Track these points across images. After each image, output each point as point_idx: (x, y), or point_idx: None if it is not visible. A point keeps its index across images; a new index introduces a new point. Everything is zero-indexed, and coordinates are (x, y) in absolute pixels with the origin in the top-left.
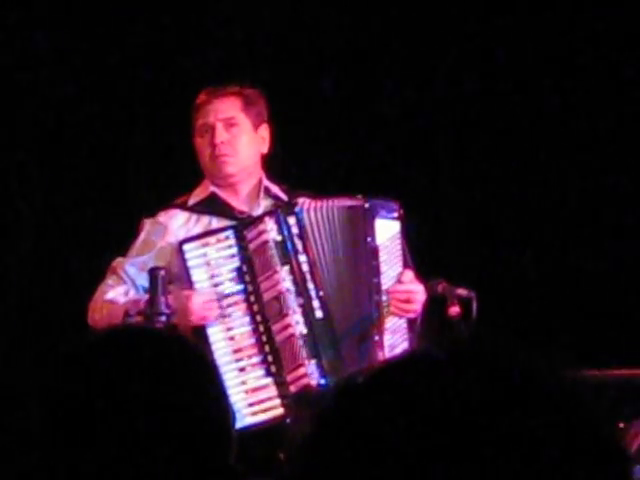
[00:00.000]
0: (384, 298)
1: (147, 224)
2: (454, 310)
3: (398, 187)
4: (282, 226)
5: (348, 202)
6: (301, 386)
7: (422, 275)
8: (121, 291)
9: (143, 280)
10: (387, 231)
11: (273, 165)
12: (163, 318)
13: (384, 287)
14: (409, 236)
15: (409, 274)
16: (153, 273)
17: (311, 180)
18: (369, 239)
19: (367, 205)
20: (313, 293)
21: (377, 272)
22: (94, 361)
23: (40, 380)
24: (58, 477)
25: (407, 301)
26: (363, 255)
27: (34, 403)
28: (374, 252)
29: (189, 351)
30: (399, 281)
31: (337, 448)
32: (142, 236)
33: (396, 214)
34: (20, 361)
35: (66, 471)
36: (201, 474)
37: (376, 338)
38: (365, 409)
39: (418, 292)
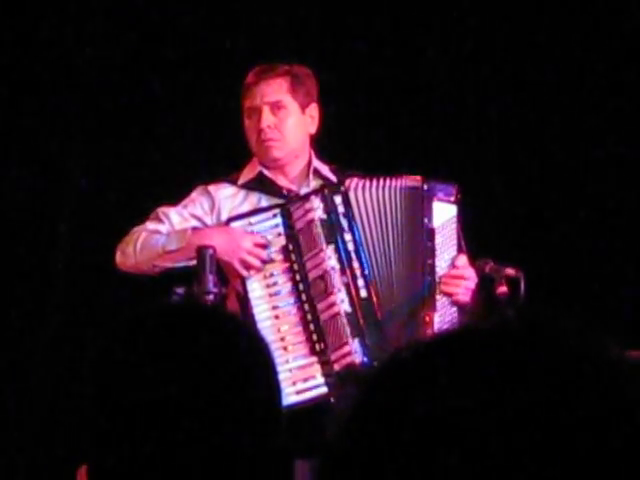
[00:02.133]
0: (437, 279)
1: (198, 189)
2: (502, 290)
3: (444, 167)
4: (328, 205)
5: (407, 182)
6: (345, 364)
7: (472, 255)
8: (162, 228)
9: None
10: (444, 214)
11: (324, 144)
12: (211, 297)
13: (438, 269)
14: (463, 219)
15: (463, 258)
16: (201, 252)
17: (362, 160)
18: (426, 220)
19: (426, 186)
20: (358, 272)
21: (432, 253)
22: (147, 339)
23: (89, 359)
24: (108, 459)
25: (459, 286)
26: (418, 236)
27: (83, 385)
28: (430, 233)
29: (242, 329)
30: (453, 265)
31: (381, 423)
32: (190, 197)
33: (453, 198)
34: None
35: (115, 455)
36: (251, 453)
37: (426, 318)
38: (410, 383)
39: (470, 278)
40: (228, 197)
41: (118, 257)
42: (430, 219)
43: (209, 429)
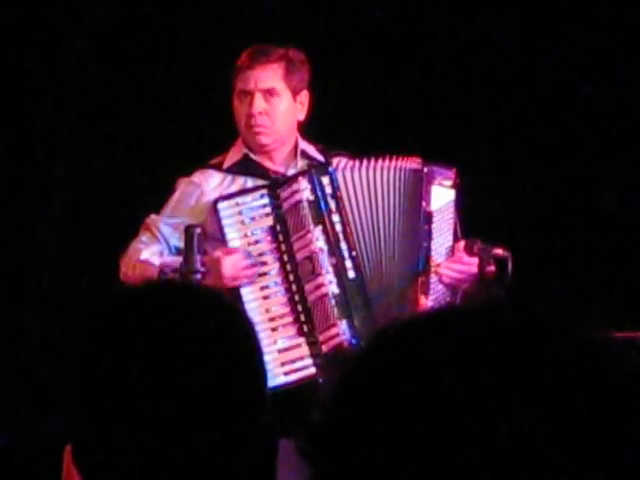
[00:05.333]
0: (432, 262)
1: (182, 184)
2: (489, 270)
3: (431, 149)
4: (315, 185)
5: (405, 164)
6: (333, 346)
7: (462, 237)
8: (156, 250)
9: (176, 240)
10: (442, 198)
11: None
12: (198, 276)
13: (433, 252)
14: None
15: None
16: (189, 231)
17: (357, 143)
18: (424, 203)
19: (426, 169)
20: (346, 253)
21: (428, 236)
22: (131, 317)
23: (76, 338)
24: (94, 442)
25: (461, 271)
26: (415, 218)
27: (68, 364)
28: (427, 217)
29: (227, 308)
30: (455, 249)
31: (365, 402)
32: (177, 195)
33: (452, 182)
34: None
35: (101, 435)
36: (235, 432)
37: (419, 300)
38: (394, 361)
39: (472, 265)
40: (216, 187)
41: (122, 275)
42: (428, 202)
43: (192, 409)
